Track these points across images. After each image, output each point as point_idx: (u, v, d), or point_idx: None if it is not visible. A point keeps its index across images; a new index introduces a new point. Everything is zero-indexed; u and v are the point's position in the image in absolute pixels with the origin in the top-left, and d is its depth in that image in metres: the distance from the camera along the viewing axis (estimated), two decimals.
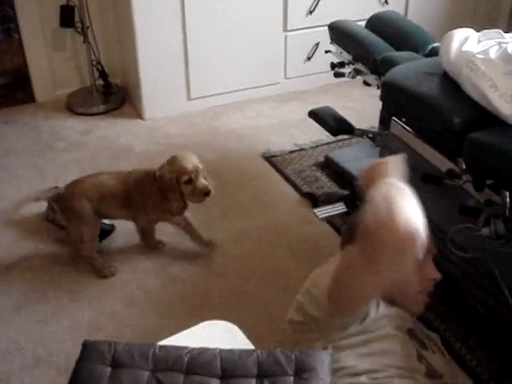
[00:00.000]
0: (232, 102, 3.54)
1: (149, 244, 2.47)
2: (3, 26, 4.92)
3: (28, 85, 3.70)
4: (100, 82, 3.63)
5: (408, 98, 2.11)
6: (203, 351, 1.24)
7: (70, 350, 1.98)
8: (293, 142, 3.16)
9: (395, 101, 2.20)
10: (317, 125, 2.80)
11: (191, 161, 2.23)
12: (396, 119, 2.23)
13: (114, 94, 3.64)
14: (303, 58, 3.65)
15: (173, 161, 2.25)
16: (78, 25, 3.43)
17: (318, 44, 3.59)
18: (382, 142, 2.39)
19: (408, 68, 2.21)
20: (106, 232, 2.50)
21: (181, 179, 2.19)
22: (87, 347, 1.25)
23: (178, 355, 1.23)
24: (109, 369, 1.20)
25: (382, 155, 2.36)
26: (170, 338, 1.35)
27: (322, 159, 2.99)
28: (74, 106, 3.57)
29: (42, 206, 2.59)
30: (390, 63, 2.34)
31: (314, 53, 3.63)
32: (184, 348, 1.25)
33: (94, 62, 3.56)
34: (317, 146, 3.11)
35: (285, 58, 3.61)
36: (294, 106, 3.55)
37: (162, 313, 2.14)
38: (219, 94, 3.48)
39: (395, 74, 2.19)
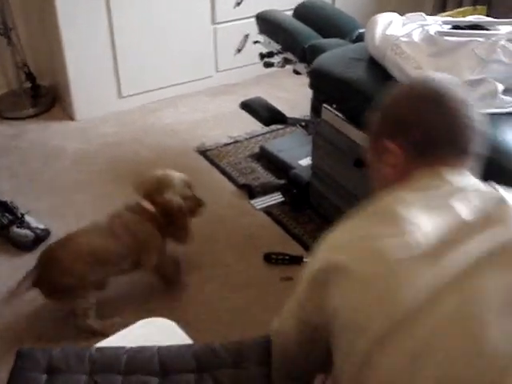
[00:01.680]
0: (164, 98, 3.51)
1: (174, 279, 2.22)
2: None
3: None
4: (27, 84, 3.54)
5: (336, 84, 2.13)
6: (141, 350, 1.23)
7: None
8: (227, 135, 3.15)
9: (324, 88, 2.22)
10: (250, 116, 2.80)
11: (178, 177, 2.07)
12: (327, 106, 2.24)
13: (42, 96, 3.56)
14: (233, 50, 3.64)
15: (165, 183, 2.04)
16: (1, 26, 3.34)
17: (247, 36, 3.57)
18: (315, 129, 2.40)
19: (335, 55, 2.23)
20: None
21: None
22: (21, 355, 1.22)
23: (115, 356, 1.21)
24: (44, 376, 1.18)
25: (314, 143, 2.38)
26: (107, 340, 1.33)
27: (257, 150, 2.99)
28: (2, 110, 3.47)
29: None
30: (318, 51, 2.36)
31: (244, 45, 3.62)
32: (121, 348, 1.23)
33: (20, 65, 3.47)
34: (251, 138, 3.11)
35: (215, 51, 3.59)
36: (227, 99, 3.54)
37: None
38: (151, 90, 3.44)
39: (322, 61, 2.21)
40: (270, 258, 2.28)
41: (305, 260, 2.27)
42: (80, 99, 3.33)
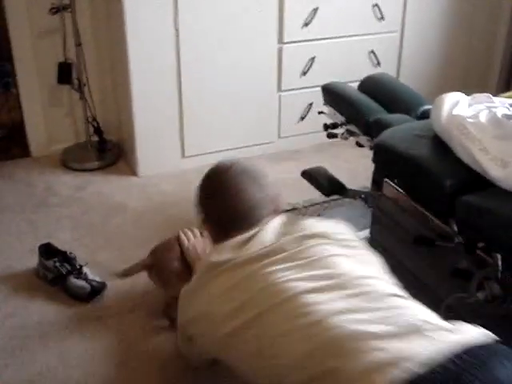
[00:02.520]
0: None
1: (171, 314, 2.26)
2: (1, 79, 4.99)
3: (24, 139, 3.73)
4: (95, 138, 3.66)
5: (399, 160, 2.13)
6: None
7: None
8: (286, 202, 3.16)
9: (387, 163, 2.23)
10: (310, 185, 2.82)
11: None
12: (388, 181, 2.25)
13: (108, 150, 3.67)
14: (297, 117, 3.69)
15: None
16: (75, 82, 3.48)
17: (311, 104, 3.64)
18: (375, 203, 2.40)
19: (400, 130, 2.24)
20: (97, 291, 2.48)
21: None
22: None
23: None
24: None
25: (374, 216, 2.38)
26: None
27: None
28: (69, 161, 3.59)
29: (33, 261, 2.59)
30: (382, 125, 2.37)
31: (307, 113, 3.67)
32: None
33: (90, 119, 3.60)
34: (310, 206, 3.12)
35: (279, 117, 3.66)
36: (288, 166, 3.58)
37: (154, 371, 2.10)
38: (213, 152, 3.50)
39: (387, 136, 2.22)
40: None
41: None
42: (144, 156, 3.42)
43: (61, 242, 2.74)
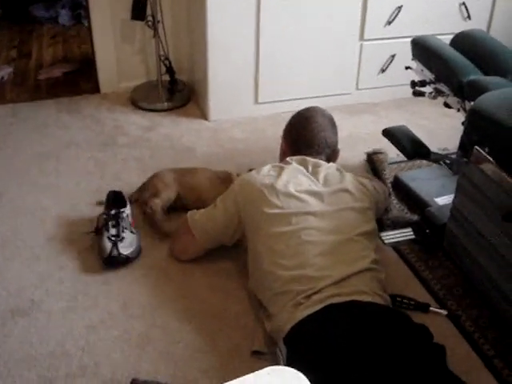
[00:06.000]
0: (299, 108, 3.42)
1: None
2: (73, 11, 4.92)
3: (93, 75, 3.66)
4: (166, 77, 3.56)
5: (496, 129, 1.96)
6: None
7: (117, 361, 1.89)
8: (361, 158, 3.02)
9: (482, 131, 2.06)
10: (386, 141, 2.68)
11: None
12: (479, 149, 2.08)
13: (179, 91, 3.56)
14: (377, 69, 3.51)
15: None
16: (150, 19, 3.36)
17: (393, 56, 3.45)
18: (461, 170, 2.24)
19: (499, 97, 2.06)
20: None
21: None
22: None
23: None
24: None
25: (459, 185, 2.22)
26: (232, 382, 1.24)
27: (391, 178, 2.84)
28: (138, 100, 3.50)
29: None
30: (478, 88, 2.20)
31: (388, 65, 3.49)
32: None
33: (162, 58, 3.49)
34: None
35: (358, 68, 3.48)
36: (364, 119, 3.42)
37: (217, 329, 2.04)
38: (287, 100, 3.36)
39: (485, 102, 2.04)
40: (395, 301, 2.14)
41: (431, 309, 2.12)
42: (216, 100, 3.31)
43: (127, 185, 2.70)
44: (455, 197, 2.25)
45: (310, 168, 2.16)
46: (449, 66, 2.38)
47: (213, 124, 3.33)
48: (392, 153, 2.88)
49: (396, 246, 2.44)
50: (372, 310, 1.77)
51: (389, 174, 2.78)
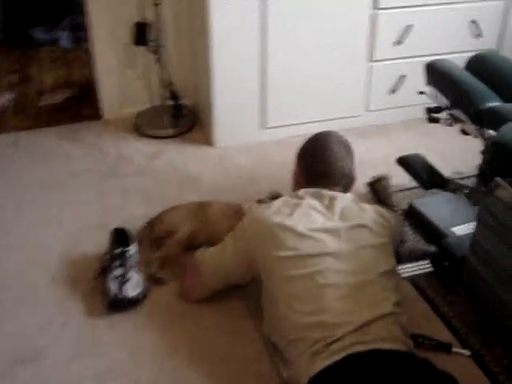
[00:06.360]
0: (308, 133, 3.31)
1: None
2: (74, 33, 4.83)
3: (95, 100, 3.57)
4: (170, 102, 3.47)
5: None
6: None
7: None
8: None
9: (505, 164, 1.96)
10: (397, 166, 2.59)
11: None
12: (501, 181, 1.98)
13: (183, 116, 3.47)
14: (387, 90, 3.41)
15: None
16: (153, 44, 3.27)
17: (404, 76, 3.36)
18: (482, 202, 2.13)
19: None
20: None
21: None
22: None
23: None
24: None
25: (480, 218, 2.11)
26: None
27: (404, 206, 2.74)
28: (142, 126, 3.41)
29: (100, 240, 2.44)
30: (498, 116, 2.11)
31: (399, 85, 3.39)
32: None
33: (166, 83, 3.40)
34: (399, 191, 2.85)
35: (368, 90, 3.38)
36: (375, 142, 3.32)
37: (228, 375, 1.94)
38: (296, 124, 3.27)
39: (509, 134, 1.94)
40: (416, 341, 2.03)
41: (454, 350, 2.02)
42: (221, 125, 3.22)
43: (131, 216, 2.62)
44: (476, 228, 2.15)
45: (326, 202, 2.03)
46: (465, 92, 2.28)
47: (218, 150, 3.23)
48: (405, 178, 2.77)
49: (414, 279, 2.34)
50: (395, 360, 1.66)
51: (397, 202, 2.69)
